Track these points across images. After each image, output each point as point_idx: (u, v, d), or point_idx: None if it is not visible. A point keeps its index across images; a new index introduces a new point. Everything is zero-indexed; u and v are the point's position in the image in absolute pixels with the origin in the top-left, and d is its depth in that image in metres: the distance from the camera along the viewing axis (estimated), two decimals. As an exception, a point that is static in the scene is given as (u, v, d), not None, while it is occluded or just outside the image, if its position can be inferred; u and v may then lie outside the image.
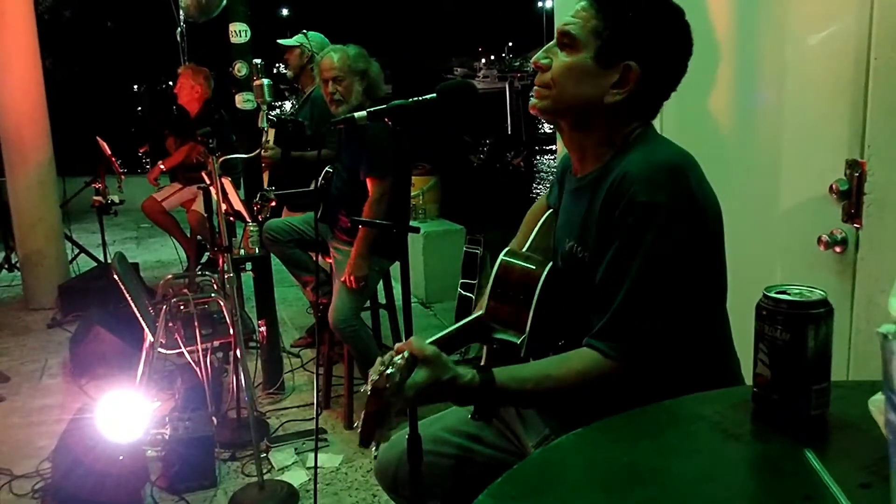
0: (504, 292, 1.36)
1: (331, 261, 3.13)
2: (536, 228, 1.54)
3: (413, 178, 4.82)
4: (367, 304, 3.29)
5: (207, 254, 5.04)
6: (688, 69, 1.30)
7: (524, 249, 1.50)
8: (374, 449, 1.15)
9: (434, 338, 1.39)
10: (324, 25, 4.33)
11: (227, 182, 2.58)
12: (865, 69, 1.62)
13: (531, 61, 1.31)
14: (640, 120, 1.28)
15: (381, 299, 3.38)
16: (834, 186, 1.66)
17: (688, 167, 1.20)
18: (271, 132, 3.30)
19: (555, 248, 1.41)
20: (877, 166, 1.60)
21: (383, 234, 2.92)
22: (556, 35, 1.29)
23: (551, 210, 1.54)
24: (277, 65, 6.14)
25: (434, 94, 1.27)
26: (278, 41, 3.73)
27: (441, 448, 1.41)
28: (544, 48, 1.30)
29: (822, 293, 0.78)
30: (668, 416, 0.86)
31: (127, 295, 3.00)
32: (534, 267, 1.36)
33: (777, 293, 0.79)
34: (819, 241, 1.71)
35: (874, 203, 1.61)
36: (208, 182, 2.45)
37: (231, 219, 2.85)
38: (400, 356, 1.11)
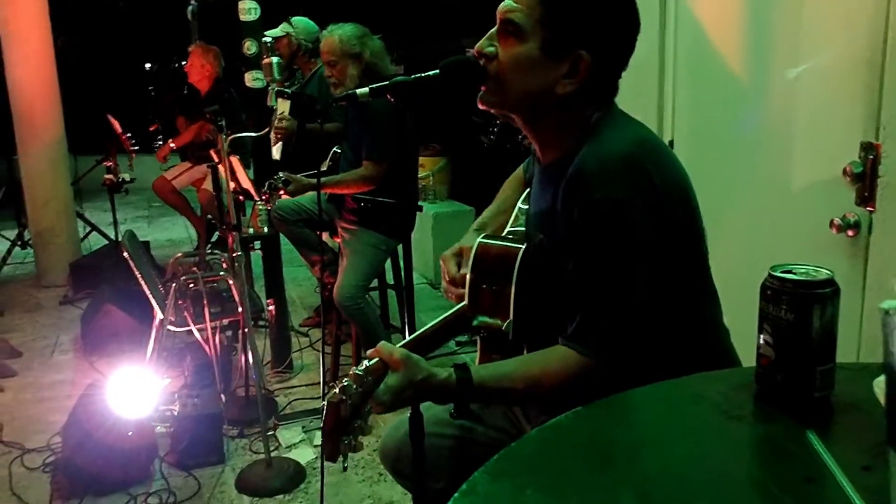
0: (484, 275, 1.33)
1: (339, 240, 3.14)
2: (516, 211, 1.52)
3: (423, 158, 4.81)
4: (376, 283, 3.30)
5: (217, 233, 5.06)
6: (636, 47, 1.24)
7: (504, 234, 1.49)
8: (342, 462, 1.15)
9: (415, 335, 1.38)
10: (333, 3, 4.30)
11: (235, 160, 2.57)
12: (882, 49, 1.58)
13: (474, 49, 1.24)
14: (597, 104, 1.23)
15: (390, 279, 3.38)
16: (847, 169, 1.64)
17: (644, 153, 1.14)
18: (286, 103, 3.29)
19: (527, 234, 1.38)
20: (892, 149, 1.57)
21: (391, 213, 2.92)
22: (498, 20, 1.23)
23: (529, 189, 1.51)
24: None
25: (437, 71, 1.25)
26: (265, 34, 3.67)
27: (443, 429, 1.40)
28: (487, 35, 1.24)
29: (828, 273, 0.76)
30: (668, 396, 0.85)
31: (137, 273, 3.02)
32: (511, 245, 1.33)
33: (783, 272, 0.77)
34: (831, 224, 1.69)
35: (888, 186, 1.59)
36: (217, 160, 2.45)
37: (240, 197, 2.86)
38: (363, 364, 1.11)
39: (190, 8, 5.68)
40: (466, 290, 1.36)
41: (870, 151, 1.61)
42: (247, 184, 2.70)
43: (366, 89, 1.26)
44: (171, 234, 6.41)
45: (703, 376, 0.86)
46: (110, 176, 4.48)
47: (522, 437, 0.79)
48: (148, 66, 10.11)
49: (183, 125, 4.93)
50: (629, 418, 0.82)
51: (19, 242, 5.33)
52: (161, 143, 5.08)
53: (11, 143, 4.86)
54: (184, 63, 5.02)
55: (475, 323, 1.35)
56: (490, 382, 1.15)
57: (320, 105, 3.44)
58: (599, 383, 1.12)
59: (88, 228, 5.38)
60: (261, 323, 3.85)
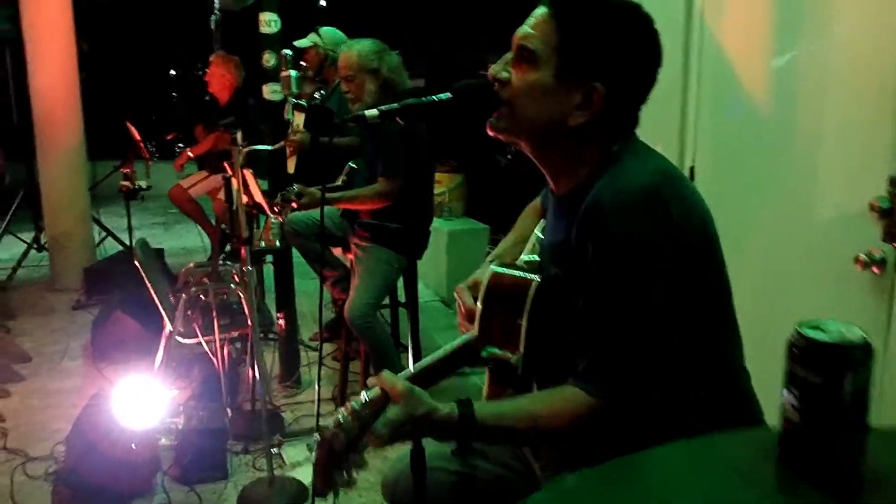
0: (495, 306, 1.29)
1: (351, 257, 3.10)
2: (532, 241, 1.48)
3: (439, 175, 4.78)
4: (387, 301, 3.26)
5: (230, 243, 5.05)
6: (657, 80, 1.20)
7: (519, 263, 1.44)
8: (333, 499, 1.11)
9: (420, 364, 1.34)
10: (359, 15, 4.30)
11: (248, 174, 2.55)
12: (913, 82, 1.53)
13: (488, 74, 1.22)
14: (614, 136, 1.19)
15: (402, 297, 3.34)
16: (874, 204, 1.58)
17: (664, 186, 1.10)
18: (300, 116, 3.28)
19: (541, 266, 1.34)
20: (922, 185, 1.51)
21: (404, 231, 2.89)
22: (513, 46, 1.19)
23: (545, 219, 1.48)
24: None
25: (448, 94, 1.22)
26: (294, 43, 3.68)
27: (446, 464, 1.36)
28: (502, 59, 1.22)
29: (861, 333, 0.71)
30: (683, 458, 0.80)
31: (147, 282, 3.00)
32: (526, 276, 1.29)
33: (811, 328, 0.72)
34: (856, 260, 1.63)
35: (918, 224, 1.53)
36: (230, 173, 2.44)
37: (253, 211, 2.84)
38: (362, 396, 1.09)
39: (213, 17, 5.71)
40: (476, 319, 1.32)
41: (898, 187, 1.55)
42: (259, 198, 2.67)
43: (375, 111, 1.23)
44: (186, 241, 6.42)
45: (722, 438, 0.81)
46: (127, 183, 4.49)
47: (526, 501, 0.74)
48: (172, 72, 10.20)
49: (201, 134, 4.94)
50: (640, 482, 0.77)
51: (35, 245, 5.36)
52: (180, 149, 5.09)
53: (32, 148, 4.90)
54: (206, 71, 5.03)
55: (484, 354, 1.31)
56: (493, 421, 1.11)
57: (338, 118, 3.42)
58: (610, 426, 1.08)
59: (104, 234, 5.39)
60: (270, 336, 3.83)
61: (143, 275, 2.98)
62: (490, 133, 1.24)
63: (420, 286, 4.88)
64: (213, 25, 5.75)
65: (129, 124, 4.76)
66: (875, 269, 1.62)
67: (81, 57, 4.90)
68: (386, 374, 1.12)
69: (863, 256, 1.63)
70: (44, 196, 4.91)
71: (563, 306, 1.20)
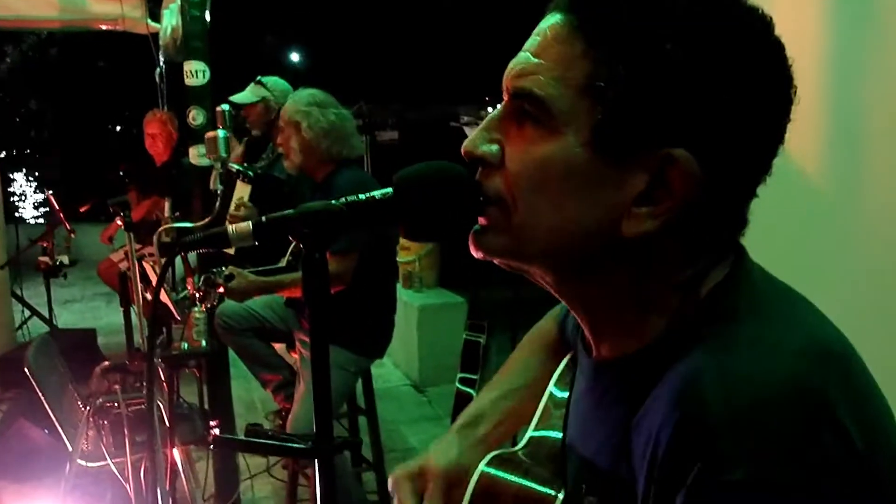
0: None
1: (296, 356, 2.53)
2: (545, 400, 0.92)
3: (407, 240, 4.25)
4: (345, 407, 2.68)
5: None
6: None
7: (521, 446, 0.88)
8: None
9: None
10: (336, 71, 3.82)
11: (147, 267, 1.99)
12: None
13: (462, 150, 0.67)
14: (706, 251, 0.63)
15: (361, 402, 2.76)
16: None
17: (829, 380, 0.54)
18: (246, 188, 2.75)
19: (566, 481, 0.77)
20: None
21: (362, 327, 2.34)
22: (504, 92, 0.65)
23: (570, 356, 0.91)
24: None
25: (389, 190, 0.70)
26: (231, 98, 3.20)
27: None
28: (485, 123, 0.66)
29: None
30: None
31: (42, 398, 2.43)
32: (538, 487, 0.78)
33: None
34: None
35: None
36: (125, 266, 1.88)
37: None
38: None
39: (158, 70, 5.20)
40: None
41: None
42: (165, 297, 2.10)
43: (247, 227, 0.72)
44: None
45: None
46: (45, 258, 3.89)
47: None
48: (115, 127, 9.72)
49: (135, 200, 4.36)
50: None
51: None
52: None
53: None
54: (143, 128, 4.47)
55: None
56: None
57: (287, 187, 2.89)
58: None
59: (28, 313, 4.74)
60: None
61: (38, 390, 2.41)
62: (476, 255, 0.69)
63: (388, 367, 4.30)
64: (157, 79, 5.23)
65: (48, 194, 4.18)
66: None
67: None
68: None
69: None
70: (-46, 273, 4.29)
71: None
